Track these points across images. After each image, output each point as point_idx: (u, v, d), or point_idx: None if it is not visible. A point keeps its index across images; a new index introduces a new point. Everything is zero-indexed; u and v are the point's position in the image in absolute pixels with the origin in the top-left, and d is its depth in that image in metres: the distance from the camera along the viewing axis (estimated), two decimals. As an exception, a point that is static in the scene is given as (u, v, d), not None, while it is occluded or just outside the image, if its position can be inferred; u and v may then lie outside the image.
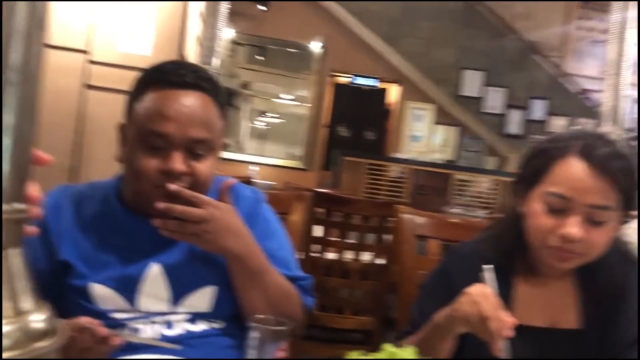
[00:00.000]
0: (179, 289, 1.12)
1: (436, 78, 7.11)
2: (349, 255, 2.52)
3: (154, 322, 1.10)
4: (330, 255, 2.48)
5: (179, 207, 1.05)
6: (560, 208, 1.09)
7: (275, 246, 1.22)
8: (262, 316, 0.99)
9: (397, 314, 1.57)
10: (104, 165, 4.01)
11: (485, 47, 7.17)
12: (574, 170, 1.08)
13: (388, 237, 2.52)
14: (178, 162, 1.07)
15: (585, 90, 7.43)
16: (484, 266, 1.07)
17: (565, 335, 1.18)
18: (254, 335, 0.98)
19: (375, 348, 2.72)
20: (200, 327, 1.12)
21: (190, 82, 1.11)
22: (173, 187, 1.05)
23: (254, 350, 0.98)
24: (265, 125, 7.92)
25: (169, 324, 1.11)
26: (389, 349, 0.87)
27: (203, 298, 1.13)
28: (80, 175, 4.02)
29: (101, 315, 1.06)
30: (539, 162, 1.14)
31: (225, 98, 1.20)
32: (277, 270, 1.17)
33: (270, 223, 1.26)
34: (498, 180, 6.17)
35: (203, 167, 1.11)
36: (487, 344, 0.99)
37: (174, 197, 1.05)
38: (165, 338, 1.09)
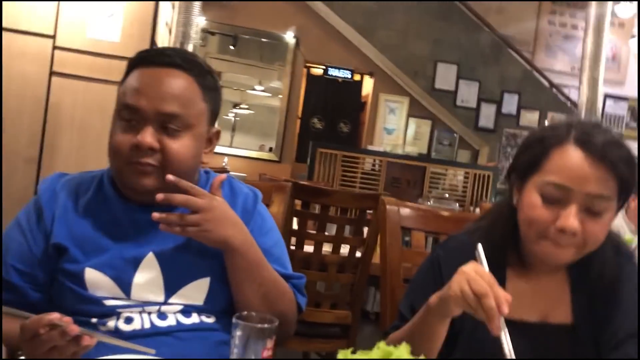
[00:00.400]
0: (174, 280, 1.11)
1: (410, 71, 7.10)
2: (326, 248, 2.47)
3: (147, 312, 1.09)
4: (308, 249, 2.42)
5: (179, 196, 1.04)
6: (557, 198, 1.05)
7: (270, 243, 1.21)
8: (245, 313, 0.94)
9: (381, 307, 1.53)
10: (67, 156, 3.90)
11: (459, 41, 7.19)
12: (571, 158, 1.05)
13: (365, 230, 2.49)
14: (147, 136, 1.06)
15: (556, 85, 7.52)
16: (478, 245, 1.03)
17: (558, 330, 1.15)
18: (237, 333, 0.92)
19: (353, 342, 2.69)
20: (192, 319, 1.10)
21: (172, 61, 1.11)
22: (171, 177, 1.05)
23: (237, 349, 0.92)
24: (234, 117, 7.80)
25: (162, 315, 1.09)
26: (383, 347, 0.82)
27: (197, 290, 1.12)
28: (42, 167, 3.88)
29: (94, 301, 1.06)
30: (535, 151, 1.10)
31: (212, 82, 1.16)
32: (272, 266, 1.16)
33: (266, 220, 1.25)
34: (471, 172, 6.20)
35: (176, 145, 1.08)
36: (482, 328, 0.95)
37: (147, 174, 1.06)
38: (157, 329, 1.07)
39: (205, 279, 1.13)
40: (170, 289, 1.10)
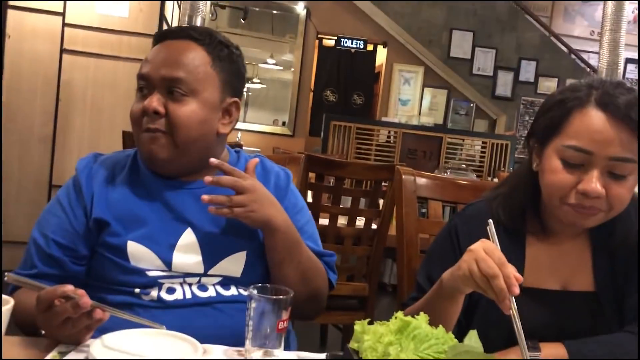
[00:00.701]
0: (211, 254, 1.14)
1: (425, 39, 6.97)
2: (342, 221, 2.45)
3: (188, 283, 1.12)
4: (323, 222, 2.40)
5: (227, 178, 1.09)
6: (579, 162, 1.01)
7: (303, 221, 1.25)
8: (260, 285, 0.93)
9: (397, 278, 1.51)
10: (80, 134, 3.90)
11: (474, 7, 7.02)
12: (593, 121, 1.01)
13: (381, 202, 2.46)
14: (153, 101, 1.11)
15: (575, 51, 7.34)
16: (489, 220, 0.99)
17: (579, 298, 1.12)
18: (252, 305, 0.91)
19: (370, 314, 2.68)
20: (230, 292, 1.14)
21: (184, 34, 1.16)
22: (215, 161, 1.10)
23: (252, 321, 0.91)
24: (246, 91, 7.75)
25: (202, 287, 1.13)
26: (400, 317, 0.80)
27: (234, 263, 1.15)
28: (57, 145, 3.89)
29: (137, 272, 1.09)
30: (555, 115, 1.06)
31: (226, 53, 1.19)
32: (306, 244, 1.20)
33: (299, 198, 1.29)
34: (488, 142, 6.12)
35: (181, 109, 1.12)
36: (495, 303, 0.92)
37: (156, 141, 1.11)
38: (198, 299, 1.10)
39: (242, 253, 1.16)
40: (209, 261, 1.13)
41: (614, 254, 1.12)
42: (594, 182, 0.99)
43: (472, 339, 0.77)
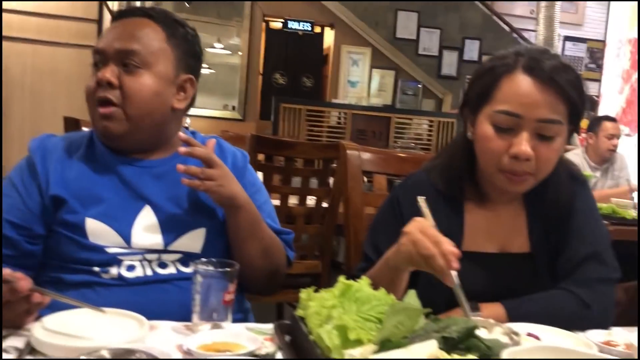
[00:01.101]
0: (171, 229, 1.14)
1: (371, 21, 7.01)
2: (293, 201, 2.47)
3: (148, 260, 1.12)
4: (274, 202, 2.41)
5: (200, 149, 1.11)
6: (509, 126, 1.06)
7: (262, 200, 1.26)
8: (204, 259, 0.94)
9: (345, 251, 1.54)
10: (21, 122, 3.77)
11: (418, -12, 7.10)
12: (521, 85, 1.05)
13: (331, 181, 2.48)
14: (106, 72, 1.11)
15: (517, 30, 7.53)
16: (418, 197, 1.02)
17: (516, 260, 1.18)
18: (198, 279, 0.92)
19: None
20: (190, 268, 1.12)
21: (140, 12, 1.17)
22: (183, 136, 1.14)
23: (199, 295, 0.92)
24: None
25: (162, 264, 1.13)
26: (343, 280, 0.82)
27: (194, 239, 1.16)
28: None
29: (96, 249, 1.09)
30: (485, 82, 1.10)
31: (182, 32, 1.21)
32: (265, 222, 1.22)
33: (256, 178, 1.31)
34: (435, 121, 6.23)
35: (133, 81, 1.12)
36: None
37: (109, 115, 1.11)
38: (159, 276, 1.11)
39: (201, 230, 1.17)
40: (168, 237, 1.14)
41: (547, 217, 1.18)
42: (523, 145, 1.04)
43: (411, 298, 0.80)
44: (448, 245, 0.94)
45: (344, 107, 6.24)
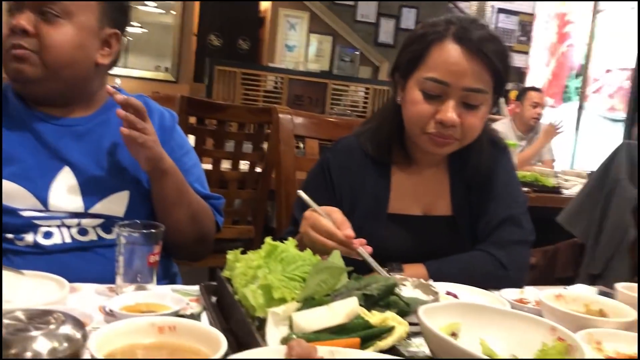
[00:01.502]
0: (92, 191, 1.09)
1: (309, -16, 6.91)
2: (225, 165, 2.44)
3: (67, 226, 1.07)
4: (206, 166, 2.38)
5: (136, 100, 1.04)
6: (437, 93, 1.09)
7: (190, 163, 1.23)
8: (128, 221, 0.92)
9: (276, 214, 1.55)
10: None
11: (357, -47, 7.04)
12: (450, 53, 1.08)
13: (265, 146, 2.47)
14: (22, 18, 1.05)
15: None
16: (298, 191, 1.04)
17: (439, 222, 1.22)
18: (122, 241, 0.90)
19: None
20: (113, 235, 1.09)
21: None
22: (112, 89, 1.06)
23: (122, 257, 0.90)
24: (126, 36, 7.30)
25: (82, 230, 1.08)
26: (269, 241, 0.83)
27: (116, 202, 1.11)
28: None
29: (9, 212, 1.03)
30: (415, 49, 1.12)
31: None
32: (193, 186, 1.19)
33: (185, 140, 1.26)
34: (371, 88, 6.28)
35: (52, 30, 1.06)
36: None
37: (22, 60, 1.05)
38: (78, 244, 1.07)
39: (125, 192, 1.12)
40: (89, 200, 1.09)
41: (468, 181, 1.23)
42: (450, 112, 1.07)
43: (336, 258, 0.81)
44: (340, 234, 0.95)
45: (280, 71, 6.18)
